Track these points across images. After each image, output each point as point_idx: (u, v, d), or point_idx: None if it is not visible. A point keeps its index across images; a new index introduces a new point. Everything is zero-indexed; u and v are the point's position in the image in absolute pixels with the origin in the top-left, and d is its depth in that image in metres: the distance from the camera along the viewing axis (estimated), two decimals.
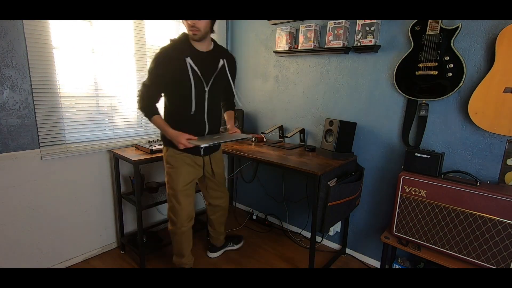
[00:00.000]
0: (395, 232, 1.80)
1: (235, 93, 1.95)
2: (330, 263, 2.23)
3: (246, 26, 2.81)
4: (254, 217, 2.92)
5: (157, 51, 1.61)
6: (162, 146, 1.82)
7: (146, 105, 1.66)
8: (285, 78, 2.57)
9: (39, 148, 1.83)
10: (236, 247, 2.37)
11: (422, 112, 1.82)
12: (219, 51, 1.77)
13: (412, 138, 1.93)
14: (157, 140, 2.29)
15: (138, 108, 1.68)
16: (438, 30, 1.67)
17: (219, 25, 2.84)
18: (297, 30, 2.39)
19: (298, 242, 2.53)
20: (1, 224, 1.75)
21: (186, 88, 1.63)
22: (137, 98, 1.67)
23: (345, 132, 2.06)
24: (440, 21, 1.66)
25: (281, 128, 2.57)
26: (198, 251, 2.32)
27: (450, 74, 1.66)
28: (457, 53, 1.64)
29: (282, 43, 2.42)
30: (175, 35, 2.44)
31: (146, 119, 1.69)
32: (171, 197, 1.80)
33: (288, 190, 2.68)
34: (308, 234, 2.60)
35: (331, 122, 2.08)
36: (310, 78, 2.41)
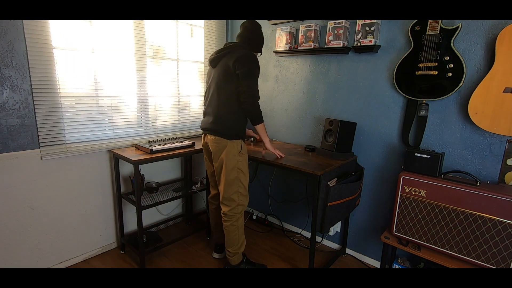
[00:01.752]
0: (395, 232, 1.81)
1: None
2: (330, 263, 2.23)
3: None
4: (254, 217, 2.92)
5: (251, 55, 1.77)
6: (227, 140, 1.84)
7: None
8: (285, 78, 2.57)
9: (39, 148, 1.83)
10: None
11: (422, 112, 1.82)
12: None
13: (412, 138, 1.93)
14: (157, 140, 2.28)
15: (258, 111, 1.81)
16: (438, 30, 1.67)
17: (219, 25, 2.83)
18: (297, 30, 2.39)
19: (298, 242, 2.53)
20: (1, 224, 1.75)
21: None
22: (254, 100, 1.78)
23: (345, 132, 2.06)
24: (440, 21, 1.66)
25: None
26: (198, 251, 2.32)
27: (450, 74, 1.66)
28: (457, 53, 1.64)
29: (282, 43, 2.42)
30: (175, 34, 2.45)
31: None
32: (245, 183, 1.93)
33: (288, 190, 2.68)
34: (308, 234, 2.60)
35: (331, 122, 2.08)
36: (310, 78, 2.41)
